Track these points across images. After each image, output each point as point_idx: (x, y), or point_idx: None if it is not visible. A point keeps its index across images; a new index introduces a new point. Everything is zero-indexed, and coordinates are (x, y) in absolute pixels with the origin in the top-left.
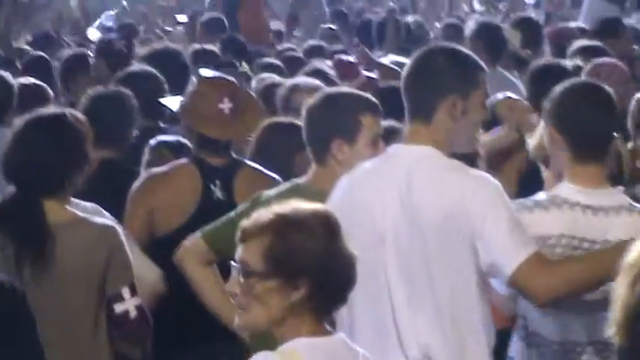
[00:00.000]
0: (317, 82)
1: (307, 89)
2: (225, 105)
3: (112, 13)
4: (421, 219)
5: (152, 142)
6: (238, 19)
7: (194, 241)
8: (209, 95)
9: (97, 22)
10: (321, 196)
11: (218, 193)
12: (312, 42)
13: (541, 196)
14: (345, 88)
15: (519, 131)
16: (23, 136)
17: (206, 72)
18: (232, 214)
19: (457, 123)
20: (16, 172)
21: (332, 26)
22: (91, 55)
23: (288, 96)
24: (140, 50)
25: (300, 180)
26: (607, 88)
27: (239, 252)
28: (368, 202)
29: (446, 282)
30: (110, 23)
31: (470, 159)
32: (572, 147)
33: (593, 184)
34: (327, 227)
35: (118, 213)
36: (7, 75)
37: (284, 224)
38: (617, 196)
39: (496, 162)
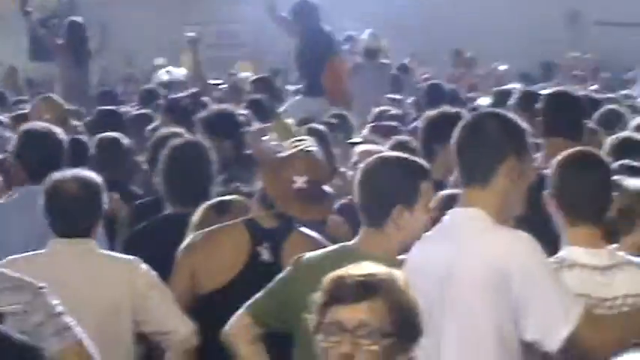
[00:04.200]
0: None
1: None
2: (300, 180)
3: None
4: (468, 280)
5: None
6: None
7: (240, 318)
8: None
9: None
10: (372, 260)
11: (265, 255)
12: None
13: (550, 259)
14: (403, 155)
15: None
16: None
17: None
18: (273, 284)
19: (514, 186)
20: None
21: None
22: None
23: None
24: None
25: (350, 243)
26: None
27: (346, 313)
28: (431, 271)
29: (490, 347)
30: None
31: None
32: (569, 212)
33: (593, 245)
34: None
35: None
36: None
37: (396, 285)
38: (613, 253)
39: None
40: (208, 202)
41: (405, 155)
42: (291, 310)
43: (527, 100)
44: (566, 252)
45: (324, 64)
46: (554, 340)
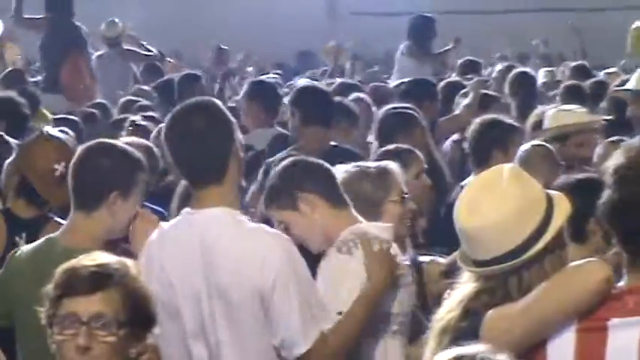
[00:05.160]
0: None
1: None
2: (60, 167)
3: None
4: (218, 285)
5: None
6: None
7: None
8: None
9: None
10: (69, 253)
11: (23, 245)
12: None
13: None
14: (124, 145)
15: None
16: None
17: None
18: None
19: (239, 173)
20: None
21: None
22: None
23: None
24: None
25: (55, 234)
26: None
27: (81, 304)
28: (166, 272)
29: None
30: None
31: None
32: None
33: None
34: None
35: None
36: None
37: (129, 273)
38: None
39: None
40: None
41: (125, 145)
42: (9, 305)
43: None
44: (362, 226)
45: (65, 60)
46: (291, 353)
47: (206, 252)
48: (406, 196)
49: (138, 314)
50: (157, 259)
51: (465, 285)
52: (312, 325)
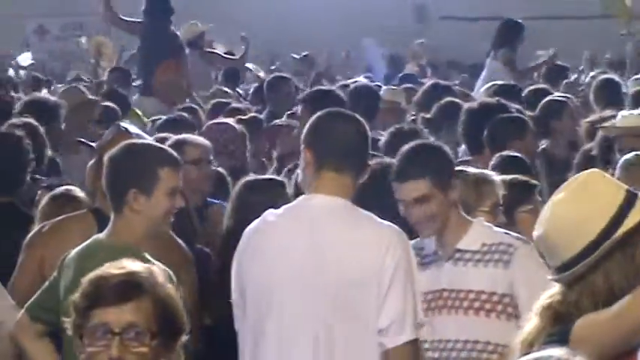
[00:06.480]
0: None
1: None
2: None
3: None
4: (330, 271)
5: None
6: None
7: (20, 317)
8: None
9: None
10: (120, 252)
11: None
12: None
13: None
14: (147, 141)
15: None
16: None
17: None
18: (47, 282)
19: None
20: None
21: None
22: None
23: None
24: None
25: (101, 234)
26: None
27: (112, 315)
28: (269, 262)
29: (345, 339)
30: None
31: None
32: None
33: None
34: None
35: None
36: None
37: (159, 281)
38: None
39: None
40: (52, 193)
41: (150, 142)
42: (59, 306)
43: None
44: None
45: (156, 65)
46: (396, 339)
47: (319, 237)
48: (500, 208)
49: (168, 323)
50: (262, 247)
51: (548, 293)
52: (411, 325)
